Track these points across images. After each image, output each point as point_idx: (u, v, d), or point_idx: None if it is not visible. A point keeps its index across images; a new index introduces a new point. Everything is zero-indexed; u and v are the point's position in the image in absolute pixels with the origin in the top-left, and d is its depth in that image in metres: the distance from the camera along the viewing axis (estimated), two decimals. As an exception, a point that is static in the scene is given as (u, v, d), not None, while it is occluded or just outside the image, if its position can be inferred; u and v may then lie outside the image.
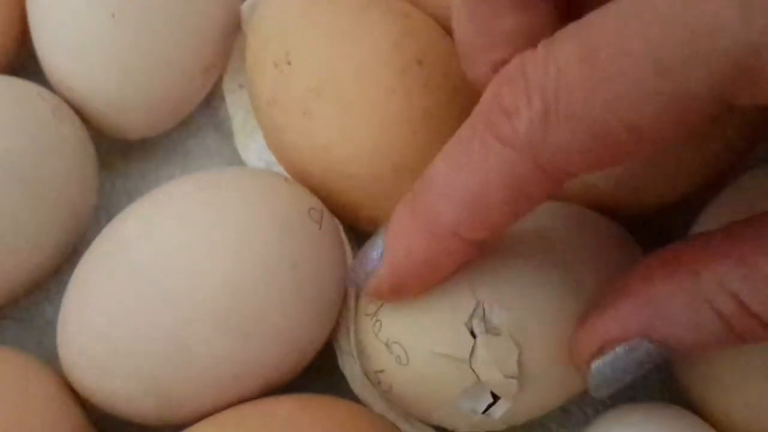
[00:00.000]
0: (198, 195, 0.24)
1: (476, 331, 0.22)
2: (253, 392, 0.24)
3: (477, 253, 0.21)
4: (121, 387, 0.24)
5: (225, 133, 0.31)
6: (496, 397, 0.23)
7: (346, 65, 0.25)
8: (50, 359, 0.25)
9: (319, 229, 0.24)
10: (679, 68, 0.17)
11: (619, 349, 0.20)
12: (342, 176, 0.26)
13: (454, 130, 0.21)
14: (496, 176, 0.19)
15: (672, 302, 0.19)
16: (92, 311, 0.24)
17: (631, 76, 0.17)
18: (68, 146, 0.27)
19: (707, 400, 0.24)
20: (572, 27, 0.18)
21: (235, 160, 0.30)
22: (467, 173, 0.20)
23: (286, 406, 0.23)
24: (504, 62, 0.20)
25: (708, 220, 0.25)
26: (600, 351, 0.21)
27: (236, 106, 0.30)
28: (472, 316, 0.22)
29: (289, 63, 0.26)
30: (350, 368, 0.25)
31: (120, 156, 0.31)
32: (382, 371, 0.23)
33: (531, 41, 0.19)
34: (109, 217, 0.26)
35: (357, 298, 0.25)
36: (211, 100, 0.31)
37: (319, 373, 0.26)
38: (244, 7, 0.30)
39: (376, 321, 0.23)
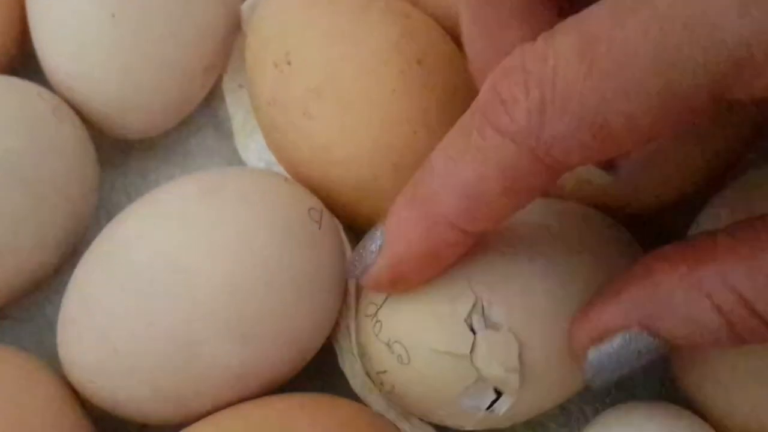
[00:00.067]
0: (198, 195, 0.24)
1: (476, 327, 0.22)
2: (253, 392, 0.24)
3: (476, 245, 0.22)
4: (121, 387, 0.24)
5: (225, 132, 0.31)
6: (499, 393, 0.23)
7: (346, 65, 0.25)
8: (50, 359, 0.25)
9: (319, 228, 0.24)
10: (676, 62, 0.17)
11: (617, 339, 0.20)
12: (342, 176, 0.26)
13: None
14: (494, 167, 0.19)
15: (673, 295, 0.19)
16: (92, 311, 0.24)
17: (629, 70, 0.17)
18: (68, 146, 0.27)
19: (707, 400, 0.24)
20: (572, 20, 0.18)
21: (235, 160, 0.30)
22: (466, 164, 0.20)
23: (285, 405, 0.23)
24: None
25: (708, 220, 0.25)
26: (598, 339, 0.21)
27: (236, 106, 0.30)
28: (471, 313, 0.22)
29: (289, 63, 0.26)
30: (350, 366, 0.25)
31: (120, 156, 0.31)
32: (384, 372, 0.23)
33: None
34: (109, 217, 0.26)
35: (357, 299, 0.25)
36: (211, 100, 0.31)
37: (318, 372, 0.26)
38: (244, 7, 0.30)
39: (376, 322, 0.23)
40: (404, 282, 0.22)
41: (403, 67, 0.25)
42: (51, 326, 0.25)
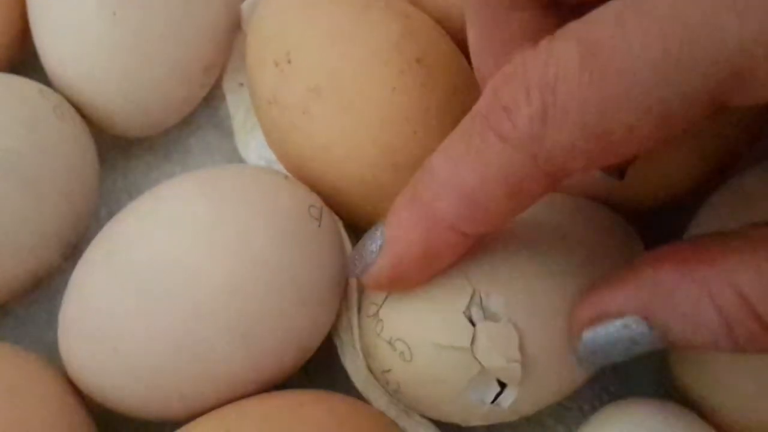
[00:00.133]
0: (198, 193, 0.24)
1: (475, 318, 0.22)
2: (253, 390, 0.24)
3: (476, 245, 0.22)
4: (121, 385, 0.24)
5: (225, 131, 0.31)
6: (502, 386, 0.23)
7: (346, 65, 0.25)
8: (51, 357, 0.25)
9: (319, 226, 0.24)
10: (677, 68, 0.17)
11: (614, 323, 0.20)
12: (342, 176, 0.26)
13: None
14: (494, 172, 0.19)
15: (675, 291, 0.19)
16: (92, 310, 0.24)
17: (630, 77, 0.17)
18: (69, 144, 0.27)
19: (706, 398, 0.24)
20: (573, 25, 0.18)
21: (235, 158, 0.30)
22: (466, 169, 0.20)
23: (285, 402, 0.23)
24: None
25: (708, 220, 0.25)
26: (597, 320, 0.21)
27: (236, 105, 0.30)
28: (469, 305, 0.22)
29: (289, 62, 0.26)
30: (351, 361, 0.25)
31: (121, 154, 0.31)
32: (389, 371, 0.23)
33: None
34: (110, 215, 0.26)
35: (360, 294, 0.25)
36: (212, 99, 0.31)
37: (318, 369, 0.26)
38: (244, 6, 0.30)
39: (378, 321, 0.23)
40: (404, 281, 0.22)
41: (403, 66, 0.25)
42: (52, 324, 0.25)
